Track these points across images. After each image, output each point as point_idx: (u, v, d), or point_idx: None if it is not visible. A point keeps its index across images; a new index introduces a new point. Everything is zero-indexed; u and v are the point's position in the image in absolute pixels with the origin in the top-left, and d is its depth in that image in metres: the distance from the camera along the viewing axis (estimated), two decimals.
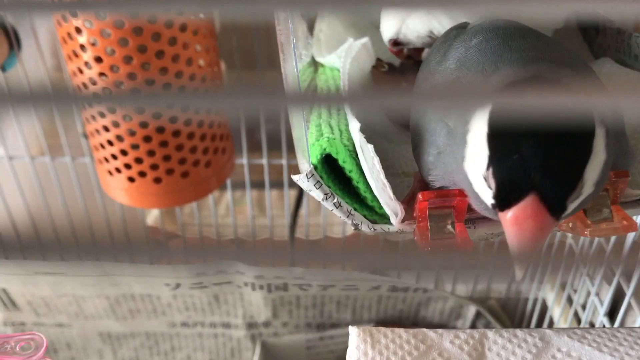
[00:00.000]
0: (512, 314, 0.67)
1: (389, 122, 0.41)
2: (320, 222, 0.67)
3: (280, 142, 0.60)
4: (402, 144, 0.38)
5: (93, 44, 0.43)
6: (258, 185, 0.69)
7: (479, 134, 0.25)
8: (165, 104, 0.17)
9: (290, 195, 0.65)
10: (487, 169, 0.24)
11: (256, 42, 0.56)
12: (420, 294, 0.64)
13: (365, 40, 0.42)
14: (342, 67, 0.38)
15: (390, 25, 0.40)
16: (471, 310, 0.65)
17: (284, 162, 0.60)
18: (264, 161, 0.60)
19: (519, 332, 0.34)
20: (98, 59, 0.44)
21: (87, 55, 0.44)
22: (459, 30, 0.33)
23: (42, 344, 0.35)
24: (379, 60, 0.43)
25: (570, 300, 0.58)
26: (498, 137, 0.24)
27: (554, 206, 0.23)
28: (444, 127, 0.28)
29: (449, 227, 0.29)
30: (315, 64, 0.45)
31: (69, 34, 0.44)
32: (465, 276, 0.71)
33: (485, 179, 0.25)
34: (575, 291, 0.58)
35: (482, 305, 0.66)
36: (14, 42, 0.53)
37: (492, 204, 0.25)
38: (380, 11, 0.43)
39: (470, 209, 0.29)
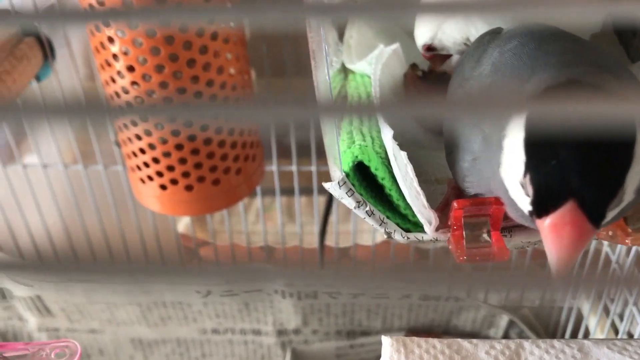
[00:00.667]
0: (546, 324, 0.65)
1: (420, 128, 0.40)
2: (350, 229, 0.67)
3: (310, 149, 0.60)
4: (435, 151, 0.37)
5: (125, 53, 0.44)
6: (287, 191, 0.69)
7: (515, 140, 0.24)
8: (197, 114, 0.17)
9: (319, 201, 0.65)
10: (525, 175, 0.24)
11: (285, 49, 0.55)
12: (452, 302, 0.63)
13: (396, 46, 0.41)
14: (373, 73, 0.38)
15: (426, 30, 0.39)
16: (504, 319, 0.64)
17: (313, 168, 0.60)
18: (294, 168, 0.60)
19: (556, 342, 0.33)
20: (130, 68, 0.44)
21: (120, 65, 0.44)
22: (493, 35, 0.32)
23: (76, 351, 0.35)
24: (414, 65, 0.42)
25: (607, 310, 0.57)
26: (535, 143, 0.23)
27: (594, 213, 0.22)
28: (479, 133, 0.27)
29: (485, 235, 0.28)
30: (345, 71, 0.44)
31: (101, 44, 0.44)
32: (497, 284, 0.70)
33: (523, 185, 0.24)
34: (612, 300, 0.56)
35: (515, 314, 0.64)
36: (48, 52, 0.53)
37: (530, 211, 0.24)
38: (414, 17, 0.43)
39: (506, 217, 0.28)
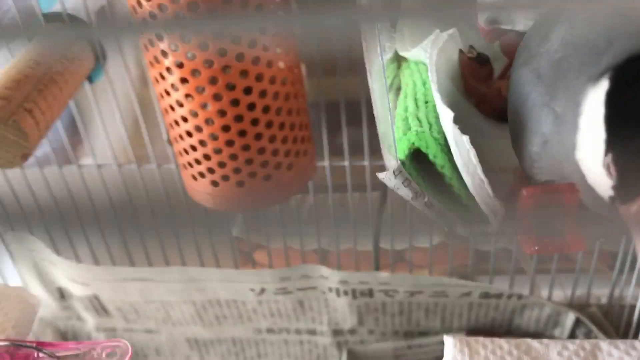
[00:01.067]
0: (616, 323, 0.61)
1: (480, 115, 0.38)
2: (407, 230, 0.64)
3: (363, 145, 0.58)
4: (497, 138, 0.35)
5: (179, 66, 0.43)
6: (340, 188, 0.67)
7: (594, 117, 0.21)
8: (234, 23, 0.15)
9: (373, 200, 0.63)
10: (606, 155, 0.21)
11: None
12: (515, 300, 0.60)
13: (452, 31, 0.39)
14: (429, 58, 0.36)
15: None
16: (570, 317, 0.60)
17: (366, 163, 0.58)
18: (346, 163, 0.58)
19: (637, 343, 0.30)
20: (183, 80, 0.44)
21: (173, 78, 0.44)
22: (556, 16, 0.30)
23: (127, 351, 0.35)
24: (471, 47, 0.40)
25: None
26: (618, 118, 0.21)
27: None
28: (550, 112, 0.25)
29: (558, 225, 0.26)
30: (398, 59, 0.42)
31: (155, 57, 0.44)
32: (562, 280, 0.66)
33: (605, 167, 0.21)
34: None
35: (582, 313, 0.61)
36: (99, 53, 0.53)
37: (612, 197, 0.22)
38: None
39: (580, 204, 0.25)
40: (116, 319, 0.65)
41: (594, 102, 0.22)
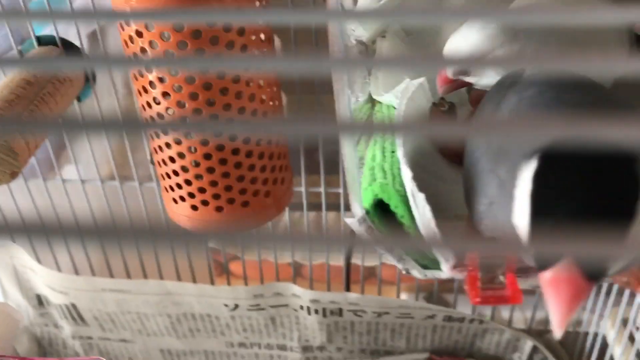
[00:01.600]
0: (571, 350, 0.65)
1: (443, 162, 0.41)
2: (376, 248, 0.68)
3: (338, 167, 0.61)
4: (456, 184, 0.38)
5: (161, 80, 0.46)
6: (316, 207, 0.70)
7: (524, 190, 0.25)
8: (227, 128, 0.18)
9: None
10: (529, 227, 0.25)
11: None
12: (476, 324, 0.64)
13: (422, 80, 0.42)
14: (398, 108, 0.39)
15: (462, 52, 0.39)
16: (528, 344, 0.64)
17: (341, 190, 0.61)
18: (322, 189, 0.61)
19: None
20: (165, 94, 0.46)
21: (156, 91, 0.46)
22: (515, 79, 0.33)
23: None
24: (442, 99, 0.43)
25: (632, 338, 0.57)
26: (540, 197, 0.24)
27: (591, 271, 0.23)
28: (495, 178, 0.28)
29: (500, 277, 0.29)
30: (372, 101, 0.46)
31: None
32: (523, 305, 0.70)
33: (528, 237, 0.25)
34: (637, 329, 0.56)
35: (539, 339, 0.64)
36: (89, 75, 0.56)
37: (534, 262, 0.25)
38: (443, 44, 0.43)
39: (520, 260, 0.29)
40: (92, 327, 0.68)
41: (525, 177, 0.25)
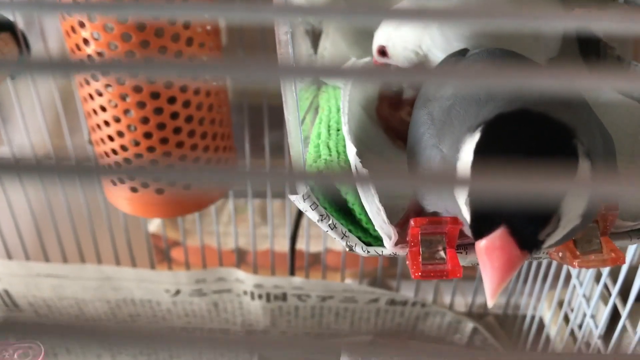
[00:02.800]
0: (509, 331, 0.67)
1: (388, 142, 0.42)
2: (322, 233, 0.68)
3: (284, 148, 0.61)
4: (401, 164, 0.38)
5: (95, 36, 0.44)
6: (260, 194, 0.70)
7: (466, 163, 0.25)
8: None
9: (292, 205, 0.66)
10: (468, 196, 0.25)
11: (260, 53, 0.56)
12: (419, 308, 0.65)
13: (368, 59, 0.42)
14: (343, 88, 0.39)
15: (384, 31, 0.40)
16: (469, 326, 0.66)
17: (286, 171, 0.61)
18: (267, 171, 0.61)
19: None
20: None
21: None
22: (458, 57, 0.34)
23: (39, 352, 0.36)
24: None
25: (567, 319, 0.59)
26: (479, 169, 0.25)
27: (524, 240, 0.24)
28: (438, 153, 0.28)
29: (441, 252, 0.29)
30: (318, 82, 0.46)
31: (76, 45, 0.45)
32: (464, 288, 0.72)
33: (467, 207, 0.26)
34: (572, 310, 0.58)
35: (480, 322, 0.66)
36: (23, 48, 0.54)
37: (470, 231, 0.26)
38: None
39: (462, 234, 0.29)
40: (27, 314, 0.66)
41: (468, 150, 0.26)
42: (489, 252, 0.24)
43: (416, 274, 0.29)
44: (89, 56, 0.44)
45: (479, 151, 0.25)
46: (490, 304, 0.25)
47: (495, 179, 0.18)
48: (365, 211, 0.32)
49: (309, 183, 0.32)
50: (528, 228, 0.24)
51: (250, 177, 0.15)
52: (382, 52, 0.40)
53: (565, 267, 0.59)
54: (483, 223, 0.25)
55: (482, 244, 0.25)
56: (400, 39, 0.39)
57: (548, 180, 0.15)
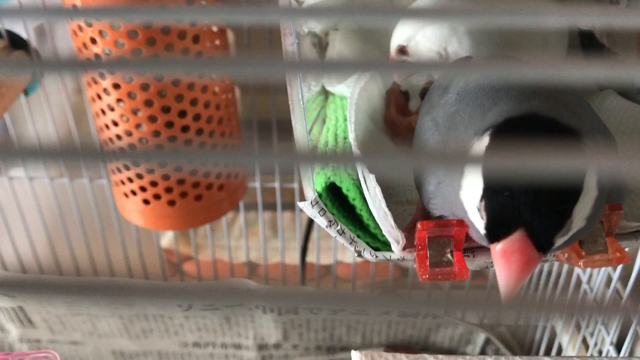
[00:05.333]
0: (521, 341, 0.67)
1: (394, 147, 0.42)
2: (332, 246, 0.68)
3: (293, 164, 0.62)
4: (408, 172, 0.39)
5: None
6: (271, 207, 0.70)
7: (475, 167, 0.26)
8: (184, 159, 0.18)
9: (302, 218, 0.67)
10: (481, 200, 0.26)
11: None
12: (430, 319, 0.65)
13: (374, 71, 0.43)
14: (350, 97, 0.40)
15: (406, 30, 0.40)
16: (481, 336, 0.66)
17: (295, 185, 0.62)
18: (277, 185, 0.62)
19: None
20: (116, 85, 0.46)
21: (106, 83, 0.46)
22: (462, 64, 0.34)
23: None
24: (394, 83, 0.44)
25: (578, 327, 0.59)
26: (492, 172, 0.25)
27: (541, 242, 0.25)
28: None
29: (448, 255, 0.30)
30: (326, 92, 0.46)
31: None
32: (476, 300, 0.72)
33: (479, 210, 0.26)
34: (583, 318, 0.58)
35: (492, 332, 0.66)
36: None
37: (485, 234, 0.26)
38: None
39: (469, 238, 0.30)
40: (41, 330, 0.66)
41: (477, 154, 0.26)
42: (507, 255, 0.25)
43: (424, 277, 0.29)
44: (96, 55, 0.45)
45: (489, 155, 0.25)
46: (507, 305, 0.25)
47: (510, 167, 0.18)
48: (373, 217, 0.32)
49: (317, 190, 0.33)
50: (546, 230, 0.25)
51: (258, 158, 0.16)
52: (402, 51, 0.40)
53: (575, 274, 0.59)
54: (500, 226, 0.25)
55: (499, 247, 0.25)
56: (425, 39, 0.39)
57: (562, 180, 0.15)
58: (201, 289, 0.18)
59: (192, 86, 0.47)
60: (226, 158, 0.16)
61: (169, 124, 0.47)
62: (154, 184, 0.49)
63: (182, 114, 0.47)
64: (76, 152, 0.16)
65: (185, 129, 0.48)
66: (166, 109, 0.47)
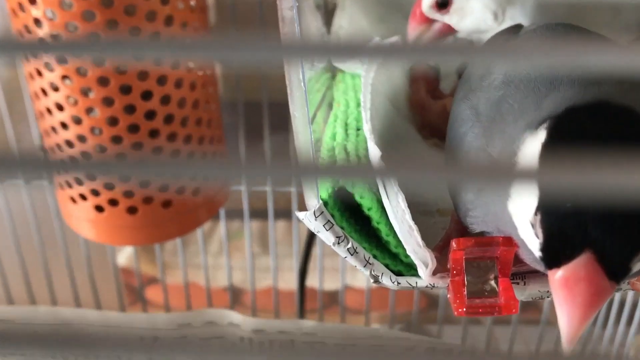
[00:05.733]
0: None
1: (422, 141, 0.43)
2: (339, 266, 0.69)
3: (289, 155, 0.62)
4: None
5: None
6: (260, 215, 0.70)
7: (528, 169, 0.26)
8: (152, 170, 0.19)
9: (300, 229, 0.67)
10: (535, 213, 0.26)
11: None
12: (467, 358, 0.65)
13: (396, 39, 0.43)
14: (364, 75, 0.40)
15: None
16: None
17: (292, 189, 0.62)
18: (268, 188, 0.62)
19: None
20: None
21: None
22: (510, 34, 0.35)
23: None
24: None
25: None
26: (549, 176, 0.25)
27: (614, 267, 0.25)
28: (487, 158, 0.29)
29: (492, 282, 0.30)
30: (333, 69, 0.47)
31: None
32: (526, 334, 0.72)
33: (533, 225, 0.26)
34: None
35: None
36: None
37: (540, 257, 0.26)
38: None
39: (519, 260, 0.30)
40: None
41: (529, 153, 0.26)
42: (570, 285, 0.25)
43: (460, 310, 0.29)
44: (40, 40, 0.45)
45: (547, 155, 0.26)
46: (567, 349, 0.25)
47: (572, 181, 0.18)
48: (394, 231, 0.33)
49: (322, 196, 0.33)
50: (620, 253, 0.25)
51: (245, 171, 0.16)
52: (442, 4, 0.41)
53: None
54: (561, 247, 0.25)
55: (559, 274, 0.25)
56: None
57: None
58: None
59: (164, 79, 0.47)
60: (205, 171, 0.16)
61: (133, 128, 0.48)
62: (109, 186, 0.49)
63: (150, 114, 0.48)
64: (13, 162, 0.16)
65: (153, 133, 0.48)
66: (130, 109, 0.47)
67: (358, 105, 0.39)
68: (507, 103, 0.30)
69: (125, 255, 0.74)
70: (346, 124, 0.38)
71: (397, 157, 0.36)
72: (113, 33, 0.44)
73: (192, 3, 0.48)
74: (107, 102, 0.47)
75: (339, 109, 0.40)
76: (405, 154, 0.40)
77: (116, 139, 0.48)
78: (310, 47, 0.17)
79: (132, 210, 0.50)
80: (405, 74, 0.44)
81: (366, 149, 0.35)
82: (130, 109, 0.47)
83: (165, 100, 0.48)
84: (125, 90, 0.47)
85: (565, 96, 0.28)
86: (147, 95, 0.47)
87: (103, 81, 0.46)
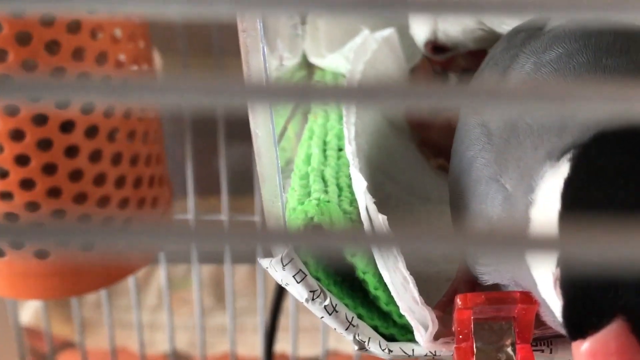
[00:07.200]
0: None
1: (424, 163, 0.45)
2: (319, 325, 0.69)
3: (252, 179, 0.62)
4: (442, 204, 0.40)
5: None
6: (214, 256, 0.71)
7: (548, 210, 0.28)
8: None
9: (267, 275, 0.68)
10: (557, 266, 0.28)
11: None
12: None
13: (389, 32, 0.45)
14: (348, 77, 0.42)
15: (423, 27, 0.43)
16: None
17: (257, 218, 0.63)
18: (224, 217, 0.63)
19: None
20: None
21: None
22: (530, 33, 0.37)
23: None
24: (434, 48, 0.46)
25: None
26: (573, 223, 0.27)
27: None
28: (500, 190, 0.31)
29: (508, 350, 0.32)
30: (309, 67, 0.48)
31: None
32: None
33: (554, 283, 0.28)
34: None
35: None
36: None
37: (563, 324, 0.28)
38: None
39: (540, 322, 0.32)
40: None
41: (550, 189, 0.28)
42: (598, 359, 0.26)
43: None
44: None
45: (570, 194, 0.27)
46: None
47: (599, 242, 0.20)
48: (385, 284, 0.34)
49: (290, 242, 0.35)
50: None
51: (195, 238, 0.18)
52: (437, 48, 0.44)
53: None
54: (587, 313, 0.27)
55: (585, 347, 0.26)
56: (451, 24, 0.42)
57: None
58: None
59: (94, 130, 0.49)
60: (145, 242, 0.18)
61: (54, 192, 0.49)
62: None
63: (76, 175, 0.50)
64: None
65: (79, 198, 0.50)
66: (50, 168, 0.49)
67: (340, 118, 0.40)
68: (525, 124, 0.31)
69: (30, 312, 0.75)
70: (324, 142, 0.39)
71: (393, 192, 0.38)
72: (30, 74, 0.46)
73: (129, 34, 0.51)
74: (21, 160, 0.49)
75: (316, 123, 0.41)
76: (400, 181, 0.42)
77: (31, 206, 0.50)
78: (277, 91, 0.19)
79: (41, 254, 0.51)
80: (403, 76, 0.46)
81: (349, 177, 0.36)
82: (50, 169, 0.49)
83: (99, 180, 0.50)
84: (45, 145, 0.49)
85: (594, 120, 0.29)
86: (76, 176, 0.49)
87: (17, 135, 0.48)
